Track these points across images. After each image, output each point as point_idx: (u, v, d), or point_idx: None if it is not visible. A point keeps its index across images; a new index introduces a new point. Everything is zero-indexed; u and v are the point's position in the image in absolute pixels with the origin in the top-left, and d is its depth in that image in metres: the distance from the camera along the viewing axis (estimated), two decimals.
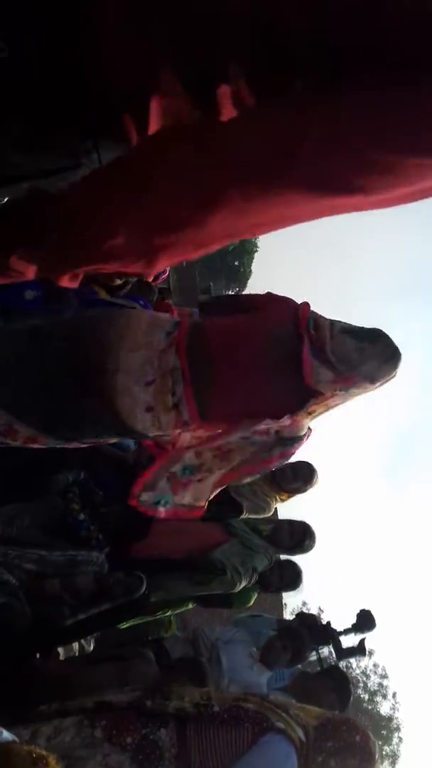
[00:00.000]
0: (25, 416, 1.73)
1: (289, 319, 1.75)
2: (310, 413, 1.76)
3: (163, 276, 5.53)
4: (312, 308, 1.77)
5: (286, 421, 1.71)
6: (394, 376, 1.77)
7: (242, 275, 36.93)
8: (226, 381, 1.71)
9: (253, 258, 37.40)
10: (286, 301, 1.86)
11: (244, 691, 3.04)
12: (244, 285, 35.89)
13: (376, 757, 2.06)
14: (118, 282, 3.36)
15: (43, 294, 3.10)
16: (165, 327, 1.76)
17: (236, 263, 36.43)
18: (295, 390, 1.70)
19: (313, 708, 2.14)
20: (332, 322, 1.75)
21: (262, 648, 3.38)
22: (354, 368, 1.71)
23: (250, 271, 37.88)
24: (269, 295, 1.93)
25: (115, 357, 1.67)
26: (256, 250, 37.02)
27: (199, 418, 1.71)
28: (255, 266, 38.23)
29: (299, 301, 1.85)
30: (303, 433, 1.82)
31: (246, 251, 35.82)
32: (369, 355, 1.73)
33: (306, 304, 1.79)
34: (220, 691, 2.21)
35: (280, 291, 1.92)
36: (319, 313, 1.77)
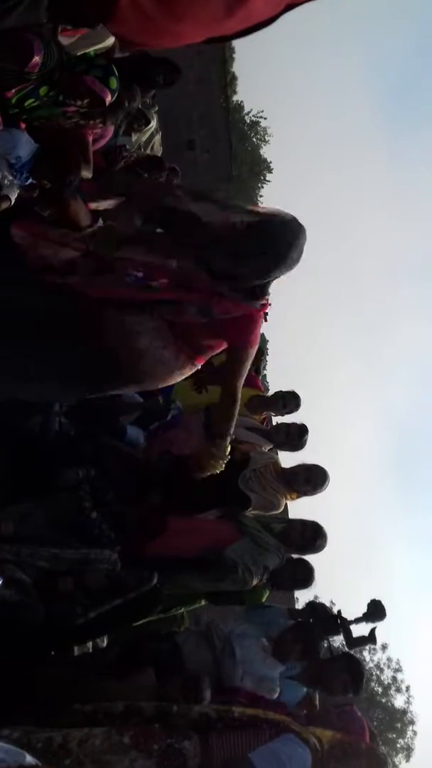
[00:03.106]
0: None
1: None
2: None
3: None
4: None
5: None
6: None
7: None
8: None
9: None
10: None
11: (258, 684, 3.13)
12: None
13: (386, 760, 2.30)
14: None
15: None
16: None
17: None
18: None
19: (326, 732, 2.30)
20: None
21: (274, 642, 3.38)
22: None
23: None
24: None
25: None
26: None
27: None
28: None
29: None
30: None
31: None
32: None
33: None
34: (241, 707, 2.40)
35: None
36: None
